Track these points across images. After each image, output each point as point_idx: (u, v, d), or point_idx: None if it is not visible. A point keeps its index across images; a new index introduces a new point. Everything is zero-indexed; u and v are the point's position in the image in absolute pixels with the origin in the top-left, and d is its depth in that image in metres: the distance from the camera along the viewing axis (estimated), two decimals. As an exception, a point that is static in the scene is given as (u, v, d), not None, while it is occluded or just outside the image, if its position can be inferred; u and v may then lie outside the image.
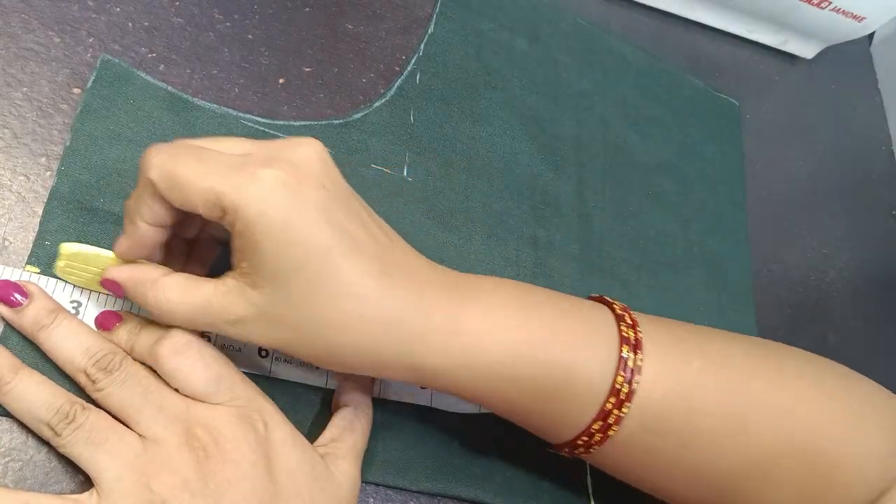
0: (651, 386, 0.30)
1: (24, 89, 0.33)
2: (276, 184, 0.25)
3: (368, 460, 0.33)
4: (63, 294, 0.30)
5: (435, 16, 0.46)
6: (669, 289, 0.47)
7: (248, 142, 0.28)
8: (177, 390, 0.28)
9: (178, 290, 0.27)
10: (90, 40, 0.35)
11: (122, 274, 0.28)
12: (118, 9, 0.37)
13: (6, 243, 0.31)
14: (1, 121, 0.33)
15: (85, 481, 0.29)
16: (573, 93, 0.49)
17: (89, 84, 0.34)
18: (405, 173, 0.41)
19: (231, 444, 0.27)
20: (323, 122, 0.39)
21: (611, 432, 0.30)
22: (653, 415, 0.30)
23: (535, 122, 0.47)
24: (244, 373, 0.30)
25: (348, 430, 0.32)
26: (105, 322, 0.30)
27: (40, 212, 0.32)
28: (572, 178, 0.46)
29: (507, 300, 0.30)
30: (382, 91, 0.42)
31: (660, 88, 0.54)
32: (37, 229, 0.31)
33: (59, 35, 0.35)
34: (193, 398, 0.28)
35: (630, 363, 0.30)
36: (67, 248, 0.29)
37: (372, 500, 0.34)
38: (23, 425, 0.29)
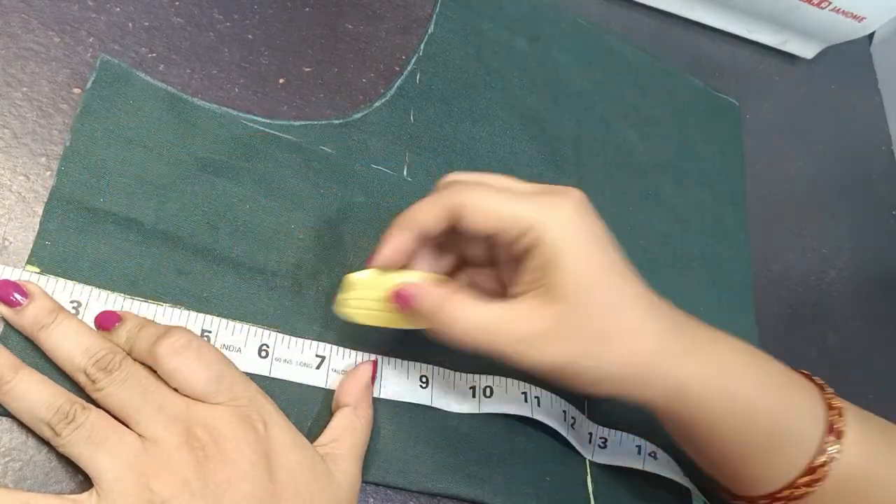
0: (852, 449, 0.32)
1: (24, 89, 0.33)
2: (575, 211, 0.30)
3: (368, 460, 0.33)
4: (63, 293, 0.30)
5: (435, 16, 0.46)
6: (669, 289, 0.47)
7: (518, 181, 0.32)
8: (176, 390, 0.28)
9: (472, 306, 0.30)
10: (90, 40, 0.35)
11: (417, 287, 0.31)
12: (118, 9, 0.37)
13: (6, 243, 0.31)
14: (1, 121, 0.33)
15: (84, 481, 0.29)
16: (573, 93, 0.49)
17: (89, 84, 0.34)
18: (405, 173, 0.41)
19: (231, 444, 0.27)
20: (323, 122, 0.39)
21: (813, 488, 0.32)
22: (850, 478, 0.32)
23: (535, 122, 0.47)
24: (245, 373, 0.30)
25: (349, 429, 0.32)
26: (105, 322, 0.30)
27: (40, 211, 0.32)
28: (572, 178, 0.46)
29: (744, 346, 0.34)
30: (382, 91, 0.42)
31: (660, 88, 0.54)
32: (37, 229, 0.31)
33: (59, 35, 0.35)
34: (193, 398, 0.28)
35: (836, 425, 0.33)
36: (353, 277, 0.32)
37: (372, 500, 0.34)
38: (23, 425, 0.28)
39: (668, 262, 0.48)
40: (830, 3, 0.54)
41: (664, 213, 0.50)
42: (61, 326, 0.29)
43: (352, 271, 0.33)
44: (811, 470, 0.32)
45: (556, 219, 0.29)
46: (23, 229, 0.31)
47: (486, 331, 0.29)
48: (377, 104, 0.41)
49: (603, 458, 0.39)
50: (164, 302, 0.32)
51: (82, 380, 0.28)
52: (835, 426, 0.33)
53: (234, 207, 0.35)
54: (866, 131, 0.65)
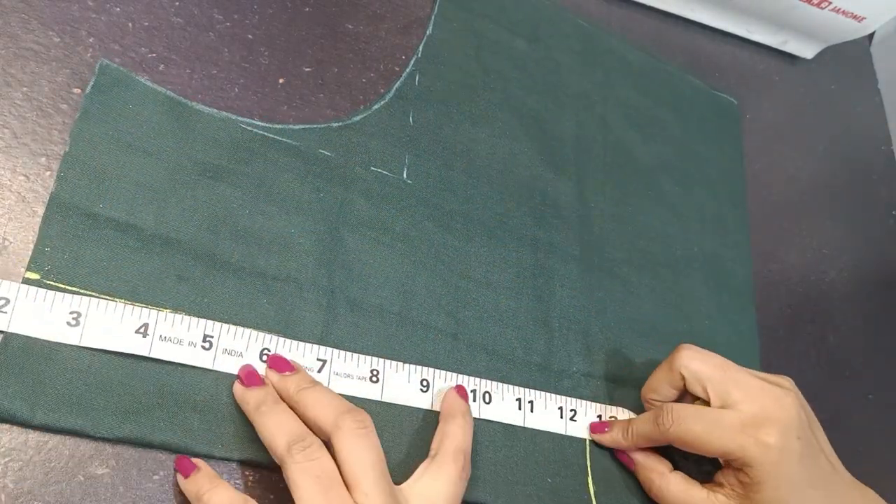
0: None
1: (24, 89, 0.33)
2: (771, 449, 0.35)
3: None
4: (62, 304, 0.30)
5: (433, 17, 0.46)
6: (669, 289, 0.47)
7: (744, 387, 0.37)
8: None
9: (681, 487, 0.37)
10: (90, 40, 0.35)
11: (640, 458, 0.39)
12: (118, 9, 0.37)
13: (6, 243, 0.31)
14: (1, 121, 0.33)
15: (84, 482, 0.29)
16: (573, 93, 0.49)
17: (88, 89, 0.34)
18: (405, 175, 0.41)
19: None
20: (322, 125, 0.39)
21: None
22: None
23: (535, 123, 0.47)
24: None
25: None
26: (278, 366, 0.33)
27: (40, 212, 0.32)
28: (572, 179, 0.46)
29: None
30: (382, 92, 0.42)
31: (660, 88, 0.54)
32: (36, 235, 0.31)
33: (59, 35, 0.35)
34: (347, 477, 0.29)
35: None
36: None
37: (372, 500, 0.34)
38: (22, 426, 0.29)
39: (669, 262, 0.48)
40: (830, 3, 0.54)
41: (664, 213, 0.50)
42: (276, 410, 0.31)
43: None
44: None
45: (756, 457, 0.35)
46: (22, 229, 0.31)
47: None
48: (376, 106, 0.41)
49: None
50: (164, 308, 0.32)
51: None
52: None
53: (234, 212, 0.35)
54: (866, 131, 0.65)
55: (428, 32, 0.45)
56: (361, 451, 0.30)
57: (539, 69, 0.48)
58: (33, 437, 0.29)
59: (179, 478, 0.30)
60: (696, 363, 0.37)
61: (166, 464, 0.31)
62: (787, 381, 0.38)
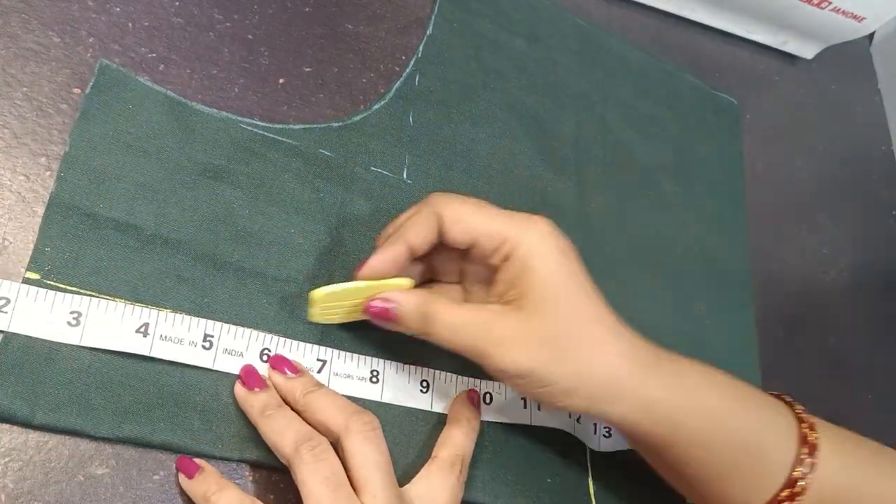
0: (829, 462, 0.33)
1: (24, 89, 0.33)
2: (546, 231, 0.32)
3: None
4: (63, 304, 0.30)
5: (433, 17, 0.46)
6: (669, 289, 0.47)
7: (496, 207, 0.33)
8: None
9: (453, 310, 0.31)
10: (90, 40, 0.35)
11: (402, 296, 0.32)
12: (118, 9, 0.37)
13: (6, 243, 0.31)
14: (1, 121, 0.33)
15: (84, 482, 0.29)
16: (573, 93, 0.49)
17: (88, 89, 0.34)
18: (405, 175, 0.41)
19: None
20: (322, 125, 0.39)
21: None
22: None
23: (534, 123, 0.47)
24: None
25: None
26: (280, 365, 0.33)
27: (40, 212, 0.32)
28: (572, 179, 0.46)
29: (708, 366, 0.34)
30: (382, 92, 0.42)
31: (659, 89, 0.54)
32: (37, 232, 0.31)
33: (59, 35, 0.35)
34: (356, 482, 0.30)
35: (809, 438, 0.33)
36: (318, 293, 0.32)
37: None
38: (22, 427, 0.29)
39: (668, 262, 0.48)
40: (830, 3, 0.54)
41: (664, 213, 0.50)
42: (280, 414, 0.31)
43: (316, 286, 0.33)
44: (790, 483, 0.32)
45: (528, 235, 0.31)
46: (22, 229, 0.31)
47: (468, 332, 0.31)
48: (376, 107, 0.41)
49: (609, 446, 0.39)
50: (164, 307, 0.32)
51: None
52: (808, 439, 0.33)
53: (234, 212, 0.35)
54: (866, 131, 0.65)
55: (428, 32, 0.45)
56: (370, 453, 0.30)
57: (538, 69, 0.48)
58: (33, 437, 0.29)
59: (183, 478, 0.30)
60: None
61: (166, 464, 0.31)
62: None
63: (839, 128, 0.63)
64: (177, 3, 0.38)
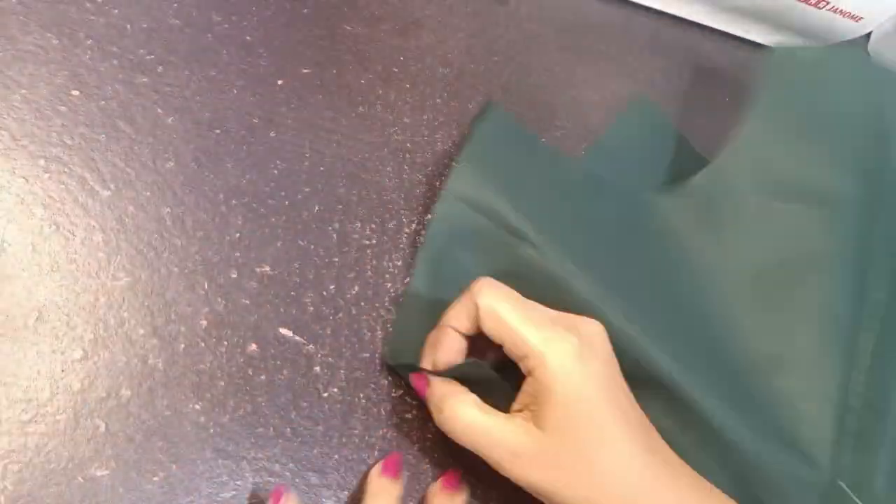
0: None
1: (23, 91, 0.33)
2: (577, 350, 0.31)
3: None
4: None
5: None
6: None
7: (553, 311, 0.33)
8: None
9: (474, 410, 0.32)
10: (88, 42, 0.35)
11: (435, 381, 0.33)
12: (116, 11, 0.37)
13: (5, 245, 0.31)
14: (-1, 123, 0.33)
15: (83, 483, 0.29)
16: None
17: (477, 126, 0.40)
18: None
19: None
20: None
21: None
22: None
23: None
24: None
25: None
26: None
27: (39, 214, 0.32)
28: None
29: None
30: (381, 93, 0.42)
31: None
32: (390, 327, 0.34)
33: (58, 37, 0.35)
34: None
35: None
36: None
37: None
38: (21, 427, 0.29)
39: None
40: (828, 2, 0.54)
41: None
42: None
43: None
44: None
45: (553, 353, 0.31)
46: (21, 232, 0.31)
47: (482, 436, 0.31)
48: None
49: None
50: None
51: None
52: None
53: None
54: (865, 131, 0.65)
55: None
56: None
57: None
58: (33, 439, 0.29)
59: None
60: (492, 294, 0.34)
61: (166, 465, 0.31)
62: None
63: (838, 127, 0.63)
64: (175, 5, 0.38)
